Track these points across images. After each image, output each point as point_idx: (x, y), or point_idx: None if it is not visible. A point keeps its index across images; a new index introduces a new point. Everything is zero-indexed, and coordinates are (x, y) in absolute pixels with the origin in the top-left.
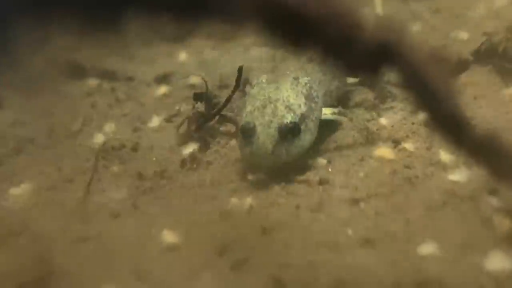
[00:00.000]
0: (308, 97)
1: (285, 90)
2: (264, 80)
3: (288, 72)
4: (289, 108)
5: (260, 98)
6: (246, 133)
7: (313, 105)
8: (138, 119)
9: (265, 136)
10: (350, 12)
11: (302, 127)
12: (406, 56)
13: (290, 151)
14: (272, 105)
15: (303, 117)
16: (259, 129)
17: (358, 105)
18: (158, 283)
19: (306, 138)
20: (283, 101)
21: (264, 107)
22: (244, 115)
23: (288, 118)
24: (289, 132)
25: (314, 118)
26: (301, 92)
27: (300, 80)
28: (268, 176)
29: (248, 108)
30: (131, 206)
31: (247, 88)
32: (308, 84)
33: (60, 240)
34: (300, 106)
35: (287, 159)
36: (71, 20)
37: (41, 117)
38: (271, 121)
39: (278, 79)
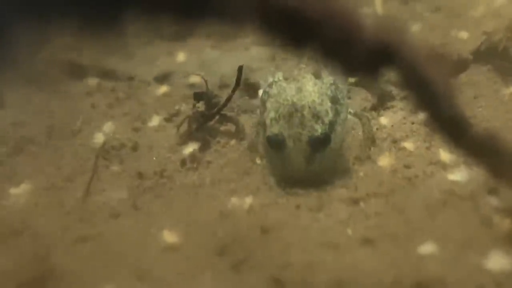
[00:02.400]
0: (334, 100)
1: (309, 93)
2: (281, 78)
3: (303, 66)
4: (317, 116)
5: (283, 103)
6: (275, 145)
7: (338, 107)
8: (138, 119)
9: (297, 151)
10: (349, 11)
11: (332, 135)
12: (406, 56)
13: (324, 162)
14: (299, 114)
15: (331, 124)
16: (289, 143)
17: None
18: (158, 283)
19: (337, 145)
20: (309, 108)
21: (290, 115)
22: (268, 121)
23: (318, 131)
24: (321, 144)
25: (341, 121)
26: (326, 94)
27: (324, 81)
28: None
29: (272, 113)
30: (131, 206)
31: (262, 85)
32: (334, 85)
33: (60, 239)
34: (327, 112)
35: (321, 170)
36: (71, 20)
37: (41, 117)
38: (301, 134)
39: (297, 76)
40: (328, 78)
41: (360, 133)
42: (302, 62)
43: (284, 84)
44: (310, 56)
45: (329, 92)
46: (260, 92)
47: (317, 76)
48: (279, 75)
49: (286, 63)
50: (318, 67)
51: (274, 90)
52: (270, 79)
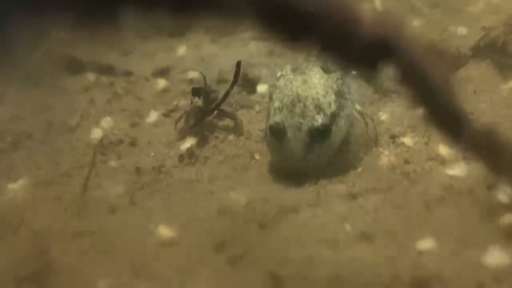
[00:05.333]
0: (338, 94)
1: (314, 85)
2: (289, 71)
3: (313, 58)
4: (319, 108)
5: (288, 94)
6: (275, 133)
7: (343, 101)
8: (136, 114)
9: (295, 141)
10: (348, 5)
11: (333, 127)
12: (405, 51)
13: (321, 154)
14: (302, 104)
15: (333, 116)
16: (289, 132)
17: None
18: (155, 278)
19: (337, 138)
20: (312, 99)
21: (293, 105)
22: (272, 111)
23: (319, 121)
24: (320, 135)
25: (344, 115)
26: (331, 87)
27: (332, 75)
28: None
29: (276, 103)
30: (129, 201)
31: (262, 80)
32: (340, 80)
33: (57, 235)
34: (330, 104)
35: (318, 162)
36: (68, 15)
37: (39, 112)
38: (301, 123)
39: (305, 69)
40: (336, 72)
41: (359, 130)
42: (311, 55)
43: (291, 76)
44: (319, 50)
45: (335, 86)
46: (259, 87)
47: (325, 70)
48: (287, 69)
49: (285, 58)
50: (327, 61)
51: (281, 83)
52: (279, 73)
